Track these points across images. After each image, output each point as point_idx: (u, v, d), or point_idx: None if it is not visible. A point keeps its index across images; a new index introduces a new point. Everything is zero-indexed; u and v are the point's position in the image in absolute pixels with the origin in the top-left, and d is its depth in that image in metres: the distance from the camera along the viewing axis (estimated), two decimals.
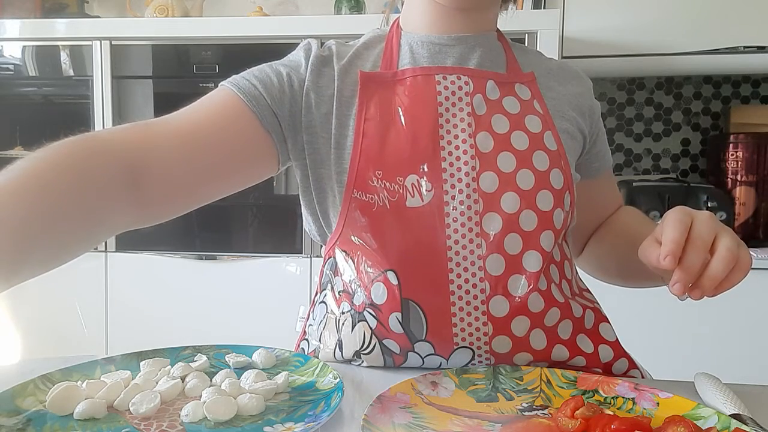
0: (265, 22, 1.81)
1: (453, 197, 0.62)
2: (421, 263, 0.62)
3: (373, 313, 0.64)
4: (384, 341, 0.63)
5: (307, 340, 0.73)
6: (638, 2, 1.71)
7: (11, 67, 1.89)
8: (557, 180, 0.65)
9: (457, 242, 0.62)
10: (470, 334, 0.62)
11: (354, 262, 0.66)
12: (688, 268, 0.52)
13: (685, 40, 1.70)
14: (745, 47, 1.68)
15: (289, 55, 0.71)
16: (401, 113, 0.65)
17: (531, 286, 0.62)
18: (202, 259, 1.83)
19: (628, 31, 1.71)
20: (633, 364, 0.69)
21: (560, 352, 0.64)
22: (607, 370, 0.66)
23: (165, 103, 1.86)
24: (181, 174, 0.60)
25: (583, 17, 1.71)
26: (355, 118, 0.65)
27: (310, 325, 0.73)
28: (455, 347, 0.62)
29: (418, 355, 0.63)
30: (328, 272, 0.70)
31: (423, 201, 0.62)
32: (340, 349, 0.66)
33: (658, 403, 0.53)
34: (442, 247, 0.62)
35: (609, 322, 0.70)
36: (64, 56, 1.87)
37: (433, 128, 0.64)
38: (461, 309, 0.62)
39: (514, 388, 0.58)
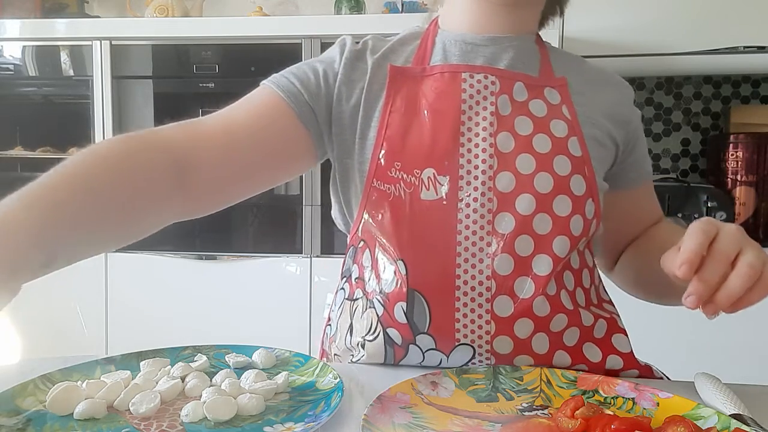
0: (265, 22, 1.81)
1: (468, 194, 0.63)
2: (429, 255, 0.63)
3: (381, 301, 0.65)
4: (388, 330, 0.64)
5: (330, 325, 0.75)
6: (638, 2, 1.71)
7: (11, 67, 1.89)
8: (578, 186, 0.64)
9: (467, 238, 0.62)
10: (472, 331, 0.62)
11: (371, 251, 0.67)
12: (705, 281, 0.50)
13: (685, 40, 1.70)
14: (745, 47, 1.68)
15: (325, 52, 0.73)
16: (425, 108, 0.66)
17: (538, 290, 0.62)
18: (202, 259, 1.83)
19: (628, 31, 1.71)
20: (647, 375, 0.67)
21: (562, 358, 0.63)
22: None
23: (165, 103, 1.87)
24: (226, 172, 0.64)
25: (583, 17, 1.71)
26: (381, 110, 0.67)
27: (332, 311, 0.75)
28: (456, 343, 0.62)
29: (419, 348, 0.63)
30: (348, 260, 0.72)
31: (437, 195, 0.63)
32: (351, 334, 0.68)
33: (658, 403, 0.53)
34: (451, 242, 0.62)
35: (625, 334, 0.68)
36: (64, 56, 1.87)
37: (454, 125, 0.65)
38: (465, 305, 0.62)
39: (514, 388, 0.58)
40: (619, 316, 0.72)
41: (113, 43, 1.82)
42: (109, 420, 0.51)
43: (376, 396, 0.52)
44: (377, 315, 0.65)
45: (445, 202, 0.63)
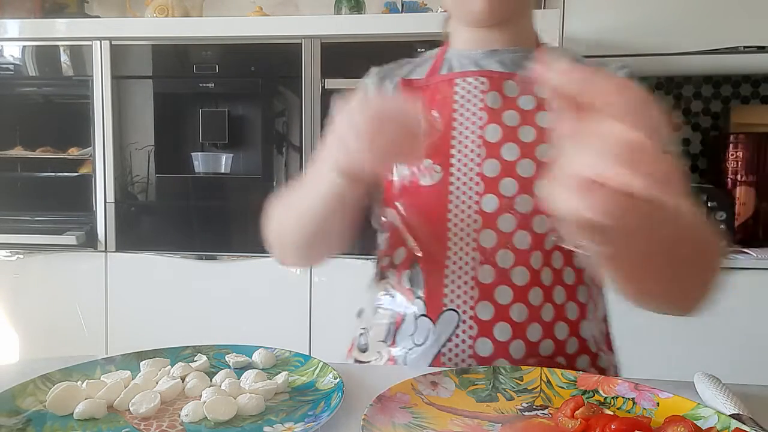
0: (265, 22, 1.80)
1: (458, 179, 0.71)
2: (427, 231, 0.73)
3: (393, 272, 0.76)
4: (396, 295, 0.75)
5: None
6: (639, 2, 1.71)
7: (11, 67, 1.89)
8: None
9: (456, 216, 0.71)
10: (458, 296, 0.70)
11: (389, 235, 0.78)
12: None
13: (685, 40, 1.70)
14: (745, 47, 1.68)
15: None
16: (425, 111, 0.73)
17: (518, 261, 0.69)
18: (202, 259, 1.83)
19: (628, 31, 1.71)
20: (594, 362, 0.72)
21: (535, 331, 0.69)
22: (571, 363, 0.70)
23: (165, 103, 1.87)
24: None
25: (583, 17, 1.71)
26: None
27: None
28: (443, 309, 0.70)
29: (414, 313, 0.72)
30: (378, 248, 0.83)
31: (432, 181, 0.72)
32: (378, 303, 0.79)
33: (658, 403, 0.53)
34: (443, 220, 0.71)
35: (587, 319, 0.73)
36: (64, 56, 1.87)
37: (447, 123, 0.74)
38: (453, 272, 0.71)
39: (514, 388, 0.58)
40: (604, 305, 0.76)
41: (113, 43, 1.82)
42: (109, 420, 0.51)
43: (376, 396, 0.52)
44: (390, 284, 0.76)
45: (438, 187, 0.72)
